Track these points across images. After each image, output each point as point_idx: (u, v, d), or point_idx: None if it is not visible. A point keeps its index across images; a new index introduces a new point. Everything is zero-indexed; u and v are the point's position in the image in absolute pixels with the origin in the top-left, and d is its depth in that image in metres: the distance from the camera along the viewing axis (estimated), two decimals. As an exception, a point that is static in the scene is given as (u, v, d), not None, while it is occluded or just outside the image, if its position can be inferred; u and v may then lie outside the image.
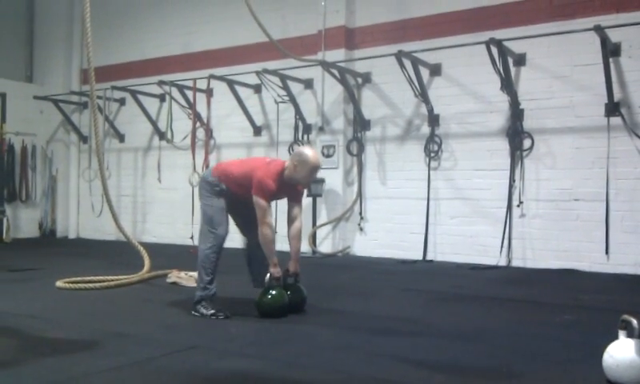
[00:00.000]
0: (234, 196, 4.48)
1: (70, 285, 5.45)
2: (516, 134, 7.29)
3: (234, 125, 9.58)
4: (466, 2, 7.77)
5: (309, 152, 4.39)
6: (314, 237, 8.47)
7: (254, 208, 4.37)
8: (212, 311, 4.25)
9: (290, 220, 4.56)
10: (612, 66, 6.67)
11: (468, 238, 7.63)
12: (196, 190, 8.88)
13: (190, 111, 9.33)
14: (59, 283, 5.50)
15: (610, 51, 6.64)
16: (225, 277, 4.64)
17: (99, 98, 9.65)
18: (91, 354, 3.37)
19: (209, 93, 9.18)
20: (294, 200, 4.57)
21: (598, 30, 6.28)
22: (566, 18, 7.06)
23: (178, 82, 9.38)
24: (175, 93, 9.46)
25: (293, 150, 8.75)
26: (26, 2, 11.97)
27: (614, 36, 6.62)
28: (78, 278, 5.65)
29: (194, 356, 3.34)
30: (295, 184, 4.47)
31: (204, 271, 4.40)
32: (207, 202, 4.50)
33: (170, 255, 7.83)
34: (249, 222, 4.57)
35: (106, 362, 3.18)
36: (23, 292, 5.46)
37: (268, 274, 4.34)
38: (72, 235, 11.48)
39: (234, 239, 4.90)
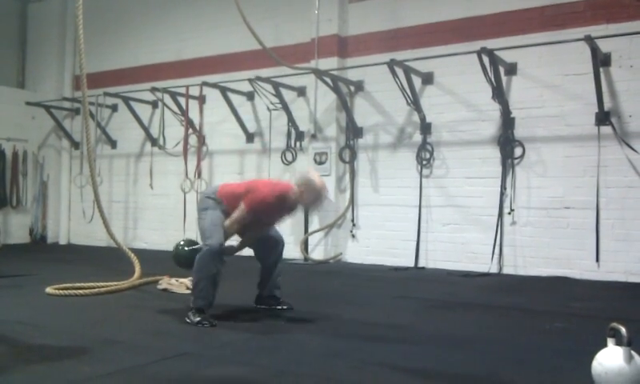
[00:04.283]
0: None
1: (60, 291, 5.42)
2: (507, 143, 7.34)
3: (227, 132, 9.58)
4: (458, 12, 7.83)
5: (316, 178, 4.40)
6: (305, 244, 8.46)
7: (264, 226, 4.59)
8: (198, 319, 4.22)
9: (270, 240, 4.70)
10: (602, 75, 6.74)
11: (459, 245, 7.65)
12: (188, 196, 9.00)
13: (182, 118, 9.32)
14: (49, 289, 5.45)
15: (601, 61, 6.70)
16: (223, 283, 4.60)
17: (91, 104, 9.64)
18: (80, 361, 3.34)
19: (201, 100, 9.18)
20: (272, 226, 4.71)
21: (589, 40, 6.34)
22: (556, 29, 7.13)
23: (171, 89, 9.37)
24: (168, 99, 9.46)
25: (285, 158, 8.81)
26: (19, 7, 11.96)
27: (604, 46, 6.68)
28: (68, 285, 5.61)
29: (184, 363, 3.33)
30: (293, 208, 4.52)
31: (196, 282, 4.38)
32: (202, 215, 4.51)
33: (161, 261, 7.79)
34: (262, 245, 4.67)
35: (95, 369, 3.16)
36: (12, 298, 5.42)
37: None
38: (63, 241, 11.42)
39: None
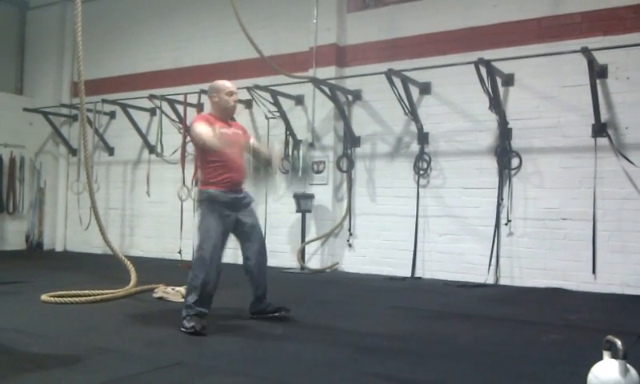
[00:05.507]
0: (225, 191, 4.50)
1: (55, 299, 5.40)
2: (504, 153, 7.35)
3: (225, 139, 9.56)
4: (456, 23, 7.86)
5: (219, 80, 4.79)
6: (302, 252, 8.45)
7: (247, 219, 4.60)
8: (191, 325, 4.21)
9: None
10: (599, 87, 6.76)
11: (456, 256, 7.65)
12: (185, 204, 9.00)
13: (180, 125, 9.33)
14: (44, 297, 5.44)
15: (597, 73, 6.72)
16: (218, 291, 4.60)
17: (89, 111, 9.65)
18: (75, 369, 3.33)
19: (199, 107, 9.18)
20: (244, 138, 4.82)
21: (586, 52, 6.36)
22: (554, 40, 7.16)
23: (169, 96, 9.38)
24: (166, 107, 9.46)
25: (283, 167, 8.81)
26: (18, 13, 11.98)
27: (601, 58, 6.71)
28: (64, 292, 5.59)
29: (179, 373, 3.31)
30: (232, 124, 4.77)
31: (189, 290, 4.38)
32: (199, 221, 4.53)
33: (157, 270, 7.78)
34: (244, 235, 4.62)
35: (89, 378, 3.14)
36: (7, 305, 5.39)
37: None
38: (59, 248, 11.39)
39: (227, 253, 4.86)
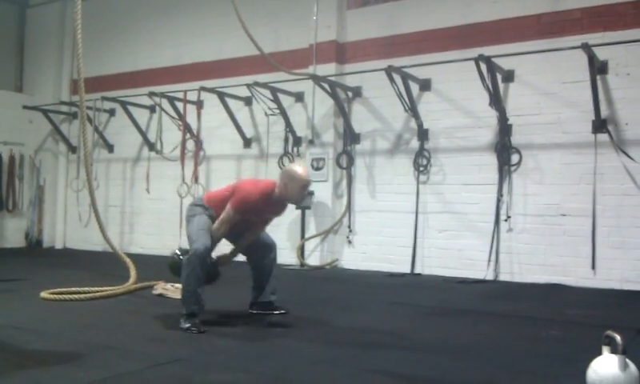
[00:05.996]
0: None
1: (55, 296, 5.40)
2: (504, 149, 7.35)
3: (224, 137, 9.58)
4: (456, 19, 7.86)
5: (298, 168, 4.44)
6: (302, 249, 8.45)
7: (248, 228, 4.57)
8: (187, 325, 4.20)
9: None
10: (599, 83, 6.76)
11: (456, 252, 7.65)
12: (184, 201, 8.99)
13: (180, 123, 9.32)
14: (44, 294, 5.43)
15: (598, 69, 6.72)
16: (218, 288, 4.61)
17: (89, 108, 9.64)
18: (75, 366, 3.33)
19: (199, 104, 9.19)
20: (261, 225, 4.72)
21: (586, 48, 6.36)
22: (554, 36, 7.16)
23: (169, 94, 9.37)
24: (165, 104, 9.45)
25: (282, 164, 8.80)
26: (17, 11, 11.97)
27: (601, 54, 6.71)
28: (63, 289, 5.59)
29: (179, 369, 3.31)
30: (280, 203, 4.55)
31: (184, 287, 4.36)
32: (189, 221, 4.52)
33: (156, 267, 7.76)
34: (254, 250, 4.68)
35: (89, 375, 3.14)
36: (7, 303, 5.39)
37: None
38: (58, 245, 11.39)
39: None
